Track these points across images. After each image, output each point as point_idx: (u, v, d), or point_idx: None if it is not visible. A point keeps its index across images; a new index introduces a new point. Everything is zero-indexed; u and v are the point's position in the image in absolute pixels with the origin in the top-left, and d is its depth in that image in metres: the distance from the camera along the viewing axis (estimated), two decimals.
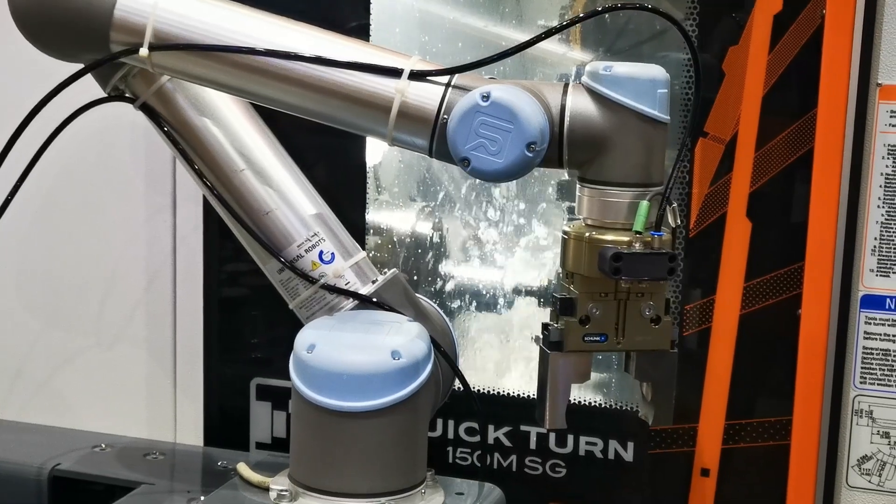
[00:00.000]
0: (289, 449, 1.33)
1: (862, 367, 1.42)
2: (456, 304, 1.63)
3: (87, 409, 1.71)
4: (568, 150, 1.23)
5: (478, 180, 1.58)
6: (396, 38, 1.58)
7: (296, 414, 1.29)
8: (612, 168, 1.23)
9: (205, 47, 1.25)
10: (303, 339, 1.28)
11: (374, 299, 1.35)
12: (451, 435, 1.58)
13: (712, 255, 1.46)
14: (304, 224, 1.36)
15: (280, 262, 1.36)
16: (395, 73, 1.24)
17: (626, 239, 1.22)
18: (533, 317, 1.61)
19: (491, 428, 1.57)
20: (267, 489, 1.34)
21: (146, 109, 1.37)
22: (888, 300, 1.41)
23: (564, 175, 1.55)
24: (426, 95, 1.23)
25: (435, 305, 1.44)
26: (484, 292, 1.63)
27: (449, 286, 1.64)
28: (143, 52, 1.26)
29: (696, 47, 1.30)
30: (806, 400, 1.43)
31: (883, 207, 1.40)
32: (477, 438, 1.58)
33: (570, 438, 1.55)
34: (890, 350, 1.41)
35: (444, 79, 1.24)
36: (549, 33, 1.26)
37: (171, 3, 1.26)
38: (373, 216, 1.61)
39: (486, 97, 1.19)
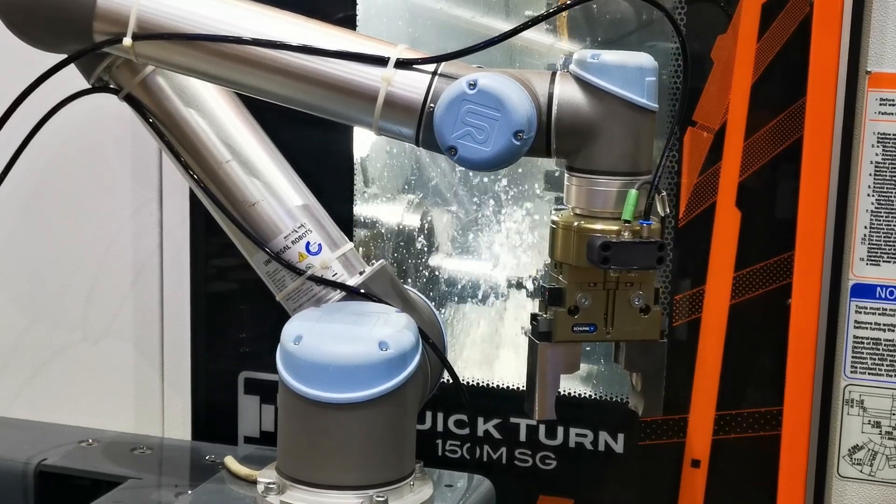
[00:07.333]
0: (277, 442, 1.32)
1: (853, 357, 1.42)
2: (445, 294, 1.63)
3: (74, 403, 1.70)
4: (556, 138, 1.22)
5: (467, 170, 1.58)
6: (383, 30, 1.57)
7: (283, 406, 1.29)
8: (601, 156, 1.22)
9: (189, 36, 1.24)
10: (289, 330, 1.27)
11: (362, 290, 1.34)
12: (440, 427, 1.57)
13: (702, 244, 1.45)
14: (290, 215, 1.35)
15: (266, 253, 1.35)
16: (380, 61, 1.23)
17: (614, 228, 1.22)
18: (522, 308, 1.60)
19: (480, 420, 1.57)
20: (254, 482, 1.33)
21: (130, 100, 1.36)
22: (878, 289, 1.40)
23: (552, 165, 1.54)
24: (412, 84, 1.22)
25: (423, 296, 1.43)
26: (473, 283, 1.62)
27: (437, 277, 1.63)
28: (127, 41, 1.25)
29: (685, 36, 1.30)
30: (796, 390, 1.43)
31: (873, 196, 1.39)
32: (466, 431, 1.57)
33: (560, 430, 1.54)
34: (881, 339, 1.41)
35: (431, 67, 1.23)
36: (536, 20, 1.25)
37: None
38: (360, 208, 1.60)
39: (472, 85, 1.19)
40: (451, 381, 1.39)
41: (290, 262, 1.35)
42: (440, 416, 1.57)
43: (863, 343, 1.41)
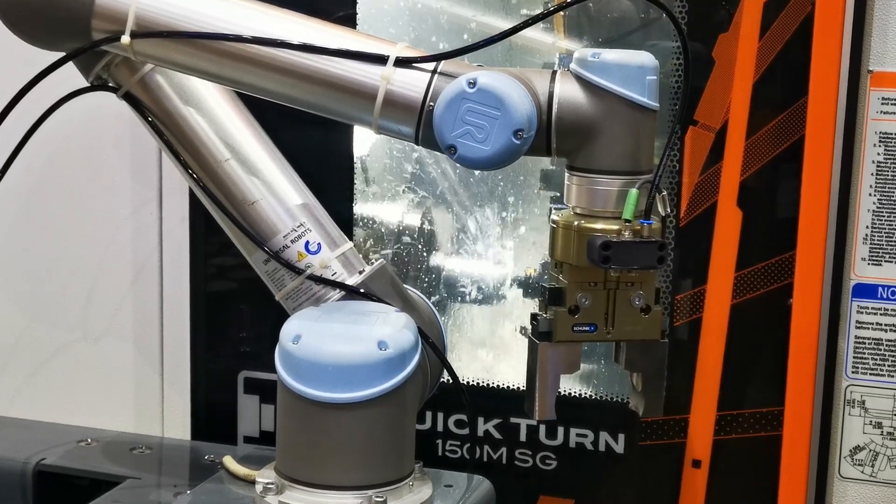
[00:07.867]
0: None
1: (854, 357, 1.41)
2: (444, 294, 1.62)
3: (74, 403, 1.69)
4: (556, 137, 1.22)
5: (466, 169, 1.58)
6: (384, 29, 1.57)
7: (282, 406, 1.28)
8: (601, 156, 1.22)
9: (188, 34, 1.24)
10: (288, 329, 1.27)
11: (361, 290, 1.34)
12: (440, 427, 1.57)
13: (703, 244, 1.45)
14: (289, 214, 1.35)
15: (265, 252, 1.34)
16: (380, 59, 1.22)
17: (615, 227, 1.21)
18: (523, 307, 1.60)
19: (480, 420, 1.56)
20: (253, 482, 1.32)
21: (129, 99, 1.36)
22: (880, 289, 1.40)
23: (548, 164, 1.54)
24: (412, 82, 1.22)
25: (423, 296, 1.43)
26: (472, 283, 1.62)
27: (437, 277, 1.63)
28: (125, 39, 1.25)
29: (686, 35, 1.29)
30: (798, 390, 1.42)
31: (875, 195, 1.39)
32: (466, 431, 1.57)
33: (561, 430, 1.54)
34: (882, 339, 1.40)
35: (430, 65, 1.22)
36: (535, 19, 1.24)
37: None
38: (361, 208, 1.60)
39: (472, 84, 1.18)
40: (451, 381, 1.38)
41: (289, 261, 1.34)
42: (440, 416, 1.57)
43: (864, 343, 1.41)
